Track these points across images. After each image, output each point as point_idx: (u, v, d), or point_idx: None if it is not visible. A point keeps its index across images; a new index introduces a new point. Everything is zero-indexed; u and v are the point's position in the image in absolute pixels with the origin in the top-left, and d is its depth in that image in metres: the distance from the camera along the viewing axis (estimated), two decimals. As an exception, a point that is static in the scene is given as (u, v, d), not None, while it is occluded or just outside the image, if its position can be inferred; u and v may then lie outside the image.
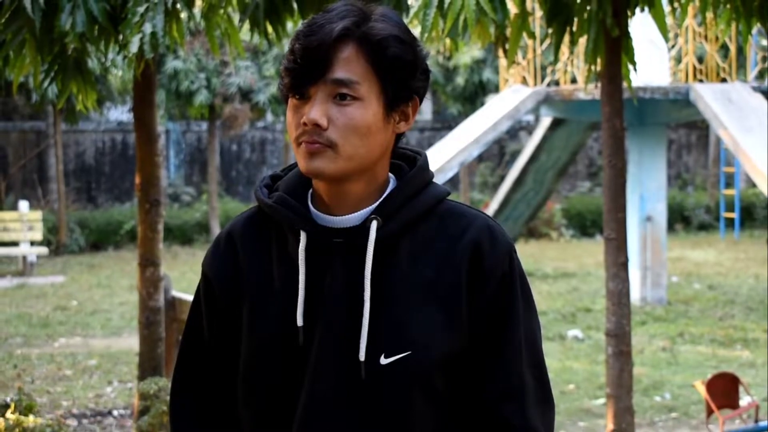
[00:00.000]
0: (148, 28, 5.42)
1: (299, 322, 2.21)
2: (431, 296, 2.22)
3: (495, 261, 2.24)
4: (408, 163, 2.33)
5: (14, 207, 22.06)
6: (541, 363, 2.30)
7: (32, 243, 19.67)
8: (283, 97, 2.24)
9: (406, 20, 5.86)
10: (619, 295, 5.79)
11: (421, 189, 2.27)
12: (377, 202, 2.24)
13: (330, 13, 2.21)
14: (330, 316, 2.21)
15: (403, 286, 2.22)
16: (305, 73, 2.17)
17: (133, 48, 5.42)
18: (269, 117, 25.17)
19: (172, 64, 21.79)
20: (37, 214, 19.90)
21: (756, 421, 7.72)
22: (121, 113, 25.31)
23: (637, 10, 5.50)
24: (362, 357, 2.18)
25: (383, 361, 2.19)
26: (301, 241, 2.22)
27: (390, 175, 2.30)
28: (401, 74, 2.21)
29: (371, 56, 2.18)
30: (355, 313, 2.20)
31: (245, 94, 22.64)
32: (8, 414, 7.00)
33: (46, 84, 6.19)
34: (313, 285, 2.22)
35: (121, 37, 5.64)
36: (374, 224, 2.21)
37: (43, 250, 19.57)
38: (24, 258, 19.21)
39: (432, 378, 2.21)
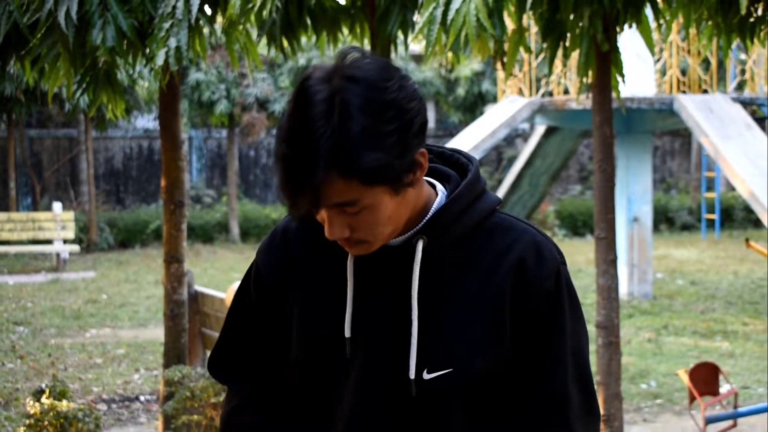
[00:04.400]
0: (173, 42, 5.42)
1: (347, 333, 2.10)
2: (475, 312, 2.08)
3: (539, 278, 2.09)
4: (459, 171, 2.17)
5: (48, 208, 22.08)
6: (587, 376, 2.17)
7: (65, 241, 19.69)
8: None
9: (411, 36, 5.86)
10: (608, 290, 5.78)
11: (471, 204, 2.11)
12: (423, 222, 2.09)
13: (304, 132, 1.91)
14: (376, 330, 2.10)
15: (447, 302, 2.08)
16: (303, 204, 1.97)
17: (159, 61, 5.42)
18: (284, 125, 25.14)
19: (194, 75, 21.80)
20: (70, 215, 19.92)
21: (735, 407, 7.70)
22: (147, 121, 25.32)
23: (626, 26, 5.49)
24: (412, 375, 2.06)
25: (426, 376, 2.07)
26: (350, 255, 2.11)
27: (439, 188, 2.14)
28: (397, 172, 1.97)
29: (361, 180, 1.94)
30: (400, 329, 2.08)
31: (262, 104, 22.64)
32: (43, 399, 7.00)
33: (78, 94, 6.19)
34: (361, 297, 2.10)
35: (147, 50, 5.64)
36: (420, 244, 2.07)
37: (75, 247, 19.57)
38: (57, 255, 19.22)
39: (474, 392, 2.10)
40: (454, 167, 2.19)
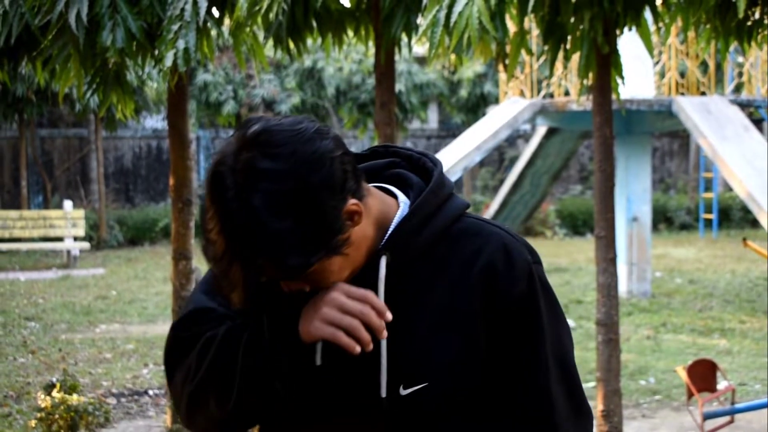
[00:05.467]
0: (181, 44, 5.43)
1: (318, 361, 1.97)
2: (448, 323, 1.97)
3: (511, 283, 1.98)
4: (425, 176, 2.06)
5: (59, 206, 22.10)
6: (571, 375, 2.07)
7: (75, 238, 19.70)
8: None
9: (414, 38, 5.85)
10: (608, 288, 5.78)
11: (434, 212, 2.01)
12: (386, 237, 1.98)
13: (223, 234, 1.83)
14: (348, 353, 1.94)
15: (419, 314, 1.97)
16: (237, 298, 1.90)
17: (168, 62, 5.42)
18: (290, 125, 25.15)
19: (202, 77, 21.81)
20: (80, 213, 19.93)
21: (732, 403, 7.69)
22: (156, 121, 25.33)
23: (626, 29, 5.49)
24: (383, 393, 1.95)
25: (402, 392, 1.95)
26: None
27: (401, 198, 2.03)
28: (325, 251, 1.87)
29: (289, 276, 1.89)
30: (372, 348, 1.93)
31: (269, 104, 22.64)
32: (54, 393, 7.02)
33: (88, 95, 6.20)
34: None
35: (156, 52, 5.64)
36: (383, 260, 1.96)
37: (85, 245, 19.58)
38: (68, 252, 19.24)
39: (454, 405, 1.98)
40: (420, 172, 2.08)
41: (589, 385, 9.27)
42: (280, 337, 1.94)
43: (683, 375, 7.48)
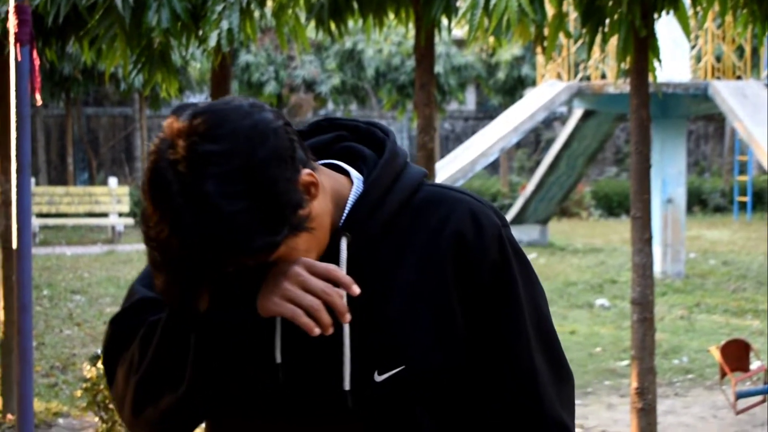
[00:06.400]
0: (224, 24, 5.44)
1: (277, 358, 1.78)
2: (419, 300, 1.80)
3: (482, 250, 1.82)
4: (376, 148, 1.89)
5: (104, 182, 22.26)
6: (551, 340, 1.90)
7: (120, 214, 19.84)
8: None
9: (454, 21, 5.85)
10: (643, 268, 5.76)
11: (390, 185, 1.83)
12: (343, 218, 1.81)
13: (174, 236, 1.66)
14: (311, 346, 1.78)
15: (387, 293, 1.80)
16: (199, 299, 1.71)
17: (212, 42, 5.43)
18: (330, 105, 25.20)
19: (244, 57, 21.86)
20: (125, 189, 20.06)
21: (765, 383, 7.66)
22: (199, 101, 25.45)
23: (663, 12, 5.45)
24: (347, 386, 1.77)
25: (378, 378, 1.78)
26: None
27: (354, 174, 1.86)
28: (287, 228, 1.68)
29: (254, 258, 1.69)
30: (337, 335, 1.76)
31: (309, 85, 22.66)
32: (99, 364, 7.07)
33: (133, 74, 6.22)
34: None
35: (201, 32, 5.65)
36: (344, 241, 1.79)
37: (130, 221, 19.72)
38: (113, 228, 19.38)
39: (435, 387, 1.82)
40: (370, 144, 1.90)
41: (623, 363, 9.26)
42: (237, 309, 1.77)
43: (716, 354, 7.45)
